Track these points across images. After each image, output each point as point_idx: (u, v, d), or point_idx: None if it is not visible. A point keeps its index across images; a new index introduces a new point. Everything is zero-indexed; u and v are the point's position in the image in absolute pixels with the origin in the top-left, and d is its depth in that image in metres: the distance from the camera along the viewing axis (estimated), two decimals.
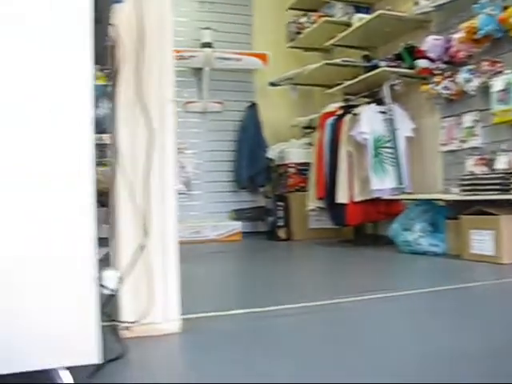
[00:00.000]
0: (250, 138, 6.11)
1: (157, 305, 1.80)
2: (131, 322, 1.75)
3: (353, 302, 2.37)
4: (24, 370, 1.15)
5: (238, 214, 6.10)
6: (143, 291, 1.79)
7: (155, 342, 1.78)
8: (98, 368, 1.38)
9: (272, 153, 5.87)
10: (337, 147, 4.77)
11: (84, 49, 1.17)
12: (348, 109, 4.90)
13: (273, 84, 6.12)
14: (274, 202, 5.78)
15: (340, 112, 4.95)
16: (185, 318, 1.92)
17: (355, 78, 4.87)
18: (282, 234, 5.59)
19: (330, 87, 5.35)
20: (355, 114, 4.71)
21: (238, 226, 5.84)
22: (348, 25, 5.10)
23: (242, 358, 1.65)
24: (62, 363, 1.18)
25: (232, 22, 6.31)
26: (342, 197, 4.63)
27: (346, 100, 5.08)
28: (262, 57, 6.16)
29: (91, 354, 1.20)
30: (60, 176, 1.17)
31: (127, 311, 1.78)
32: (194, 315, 2.07)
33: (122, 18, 1.62)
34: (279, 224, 5.62)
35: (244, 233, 5.87)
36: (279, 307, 2.29)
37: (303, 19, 5.89)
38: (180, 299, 1.89)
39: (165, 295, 1.83)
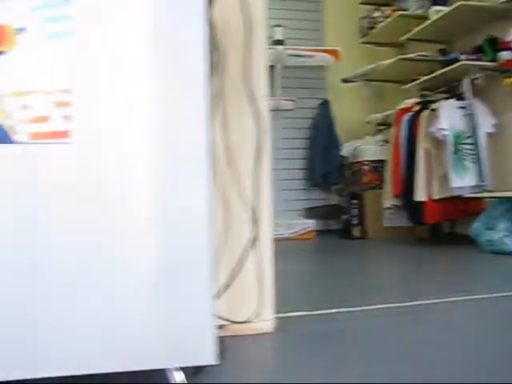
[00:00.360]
0: (322, 135, 6.06)
1: (258, 303, 1.80)
2: (242, 322, 1.75)
3: (441, 304, 2.30)
4: (140, 368, 1.16)
5: (311, 212, 6.06)
6: (247, 289, 1.78)
7: (250, 341, 1.77)
8: (198, 368, 1.38)
9: (346, 150, 5.81)
10: (414, 144, 4.66)
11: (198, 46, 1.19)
12: (425, 105, 4.78)
13: (345, 80, 6.04)
14: (347, 200, 5.71)
15: (417, 108, 4.83)
16: (276, 317, 1.92)
17: (431, 72, 4.74)
18: (356, 232, 5.51)
19: (403, 83, 5.24)
20: (433, 110, 4.59)
21: (311, 224, 5.80)
22: (423, 18, 4.97)
23: (334, 359, 1.63)
24: (177, 364, 1.19)
25: (303, 19, 6.27)
26: (420, 195, 4.52)
27: (423, 96, 4.95)
28: (334, 53, 6.08)
29: (207, 355, 1.20)
30: (181, 178, 1.18)
31: (227, 309, 1.77)
32: (284, 314, 2.05)
33: (225, 8, 1.63)
34: (353, 222, 5.55)
35: (316, 231, 5.82)
36: (367, 307, 2.25)
37: (376, 14, 5.79)
38: (274, 298, 1.89)
39: (261, 293, 1.82)
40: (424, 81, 4.87)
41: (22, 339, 1.14)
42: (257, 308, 1.81)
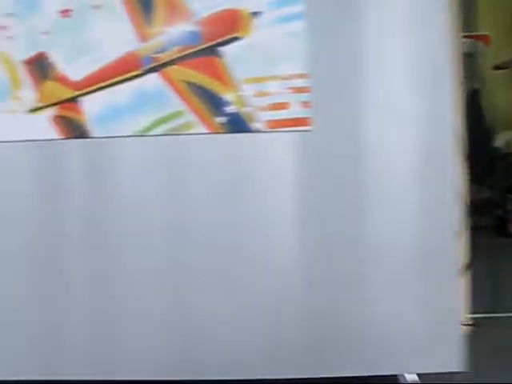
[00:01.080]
0: (472, 126, 5.73)
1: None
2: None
3: None
4: (387, 373, 1.10)
5: None
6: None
7: None
8: None
9: (500, 141, 5.47)
10: None
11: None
12: None
13: (497, 67, 5.67)
14: (502, 193, 5.38)
15: None
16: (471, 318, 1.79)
17: None
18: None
19: None
20: None
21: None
22: None
23: None
24: (421, 369, 1.12)
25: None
26: None
27: None
28: (484, 38, 5.73)
29: (454, 361, 1.10)
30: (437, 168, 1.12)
31: None
32: (478, 315, 1.91)
33: None
34: (509, 217, 5.21)
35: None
36: None
37: None
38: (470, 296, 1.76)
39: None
40: None
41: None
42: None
